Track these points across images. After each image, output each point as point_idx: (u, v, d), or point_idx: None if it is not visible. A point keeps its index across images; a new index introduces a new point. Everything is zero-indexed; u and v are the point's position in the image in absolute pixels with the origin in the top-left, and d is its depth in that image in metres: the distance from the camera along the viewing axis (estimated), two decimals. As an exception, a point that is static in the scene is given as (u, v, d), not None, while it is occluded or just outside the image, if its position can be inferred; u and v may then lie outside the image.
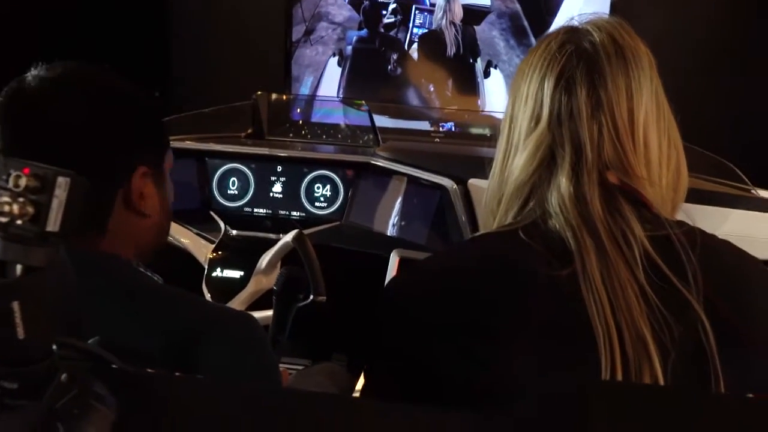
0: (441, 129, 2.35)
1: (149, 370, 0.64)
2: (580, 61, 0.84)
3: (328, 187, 1.99)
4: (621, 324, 0.71)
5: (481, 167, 1.79)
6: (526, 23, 2.55)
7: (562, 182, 0.80)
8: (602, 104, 0.82)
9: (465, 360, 0.75)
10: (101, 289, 0.86)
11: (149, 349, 0.82)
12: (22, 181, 0.48)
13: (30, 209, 0.48)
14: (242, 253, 1.73)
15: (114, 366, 0.62)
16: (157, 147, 0.98)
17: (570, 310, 0.74)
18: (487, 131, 2.37)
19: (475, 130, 2.38)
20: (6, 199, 0.48)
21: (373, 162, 1.91)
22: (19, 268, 0.50)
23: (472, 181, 1.71)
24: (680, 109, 0.88)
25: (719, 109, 2.58)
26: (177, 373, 0.66)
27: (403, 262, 1.60)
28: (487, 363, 0.74)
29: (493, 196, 0.90)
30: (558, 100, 0.83)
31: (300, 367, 1.99)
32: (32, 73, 0.89)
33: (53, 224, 0.49)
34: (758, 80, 2.63)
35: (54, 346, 0.54)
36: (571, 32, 0.87)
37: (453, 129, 2.37)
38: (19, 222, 0.48)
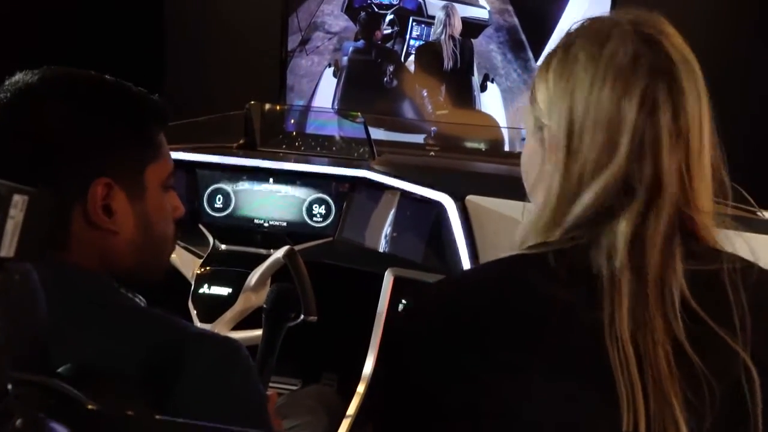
0: (436, 142, 2.31)
1: (126, 412, 0.57)
2: (658, 78, 0.72)
3: (321, 201, 1.93)
4: (648, 385, 0.64)
5: (479, 183, 1.77)
6: (523, 37, 2.52)
7: (623, 223, 0.70)
8: (682, 132, 0.71)
9: (479, 394, 0.69)
10: (76, 309, 0.79)
11: (125, 373, 0.75)
12: (-29, 200, 0.41)
13: (-21, 232, 0.42)
14: (231, 269, 1.66)
15: (86, 405, 0.56)
16: (134, 155, 0.88)
17: (592, 356, 0.66)
18: (482, 146, 2.33)
19: (470, 144, 2.34)
20: (-48, 220, 0.41)
21: (368, 176, 1.86)
22: (-33, 298, 0.43)
23: (470, 198, 1.66)
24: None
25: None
26: (156, 415, 0.60)
27: (397, 281, 1.54)
28: (502, 397, 0.68)
29: (534, 230, 0.78)
30: (642, 127, 0.71)
31: (290, 388, 1.93)
32: (7, 82, 0.84)
33: (7, 249, 0.43)
34: (761, 83, 2.60)
35: (9, 386, 0.47)
36: (636, 39, 0.73)
37: (448, 142, 2.33)
38: (-34, 247, 0.41)
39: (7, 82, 0.83)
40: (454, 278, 0.84)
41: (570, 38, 0.77)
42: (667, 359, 0.64)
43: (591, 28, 0.77)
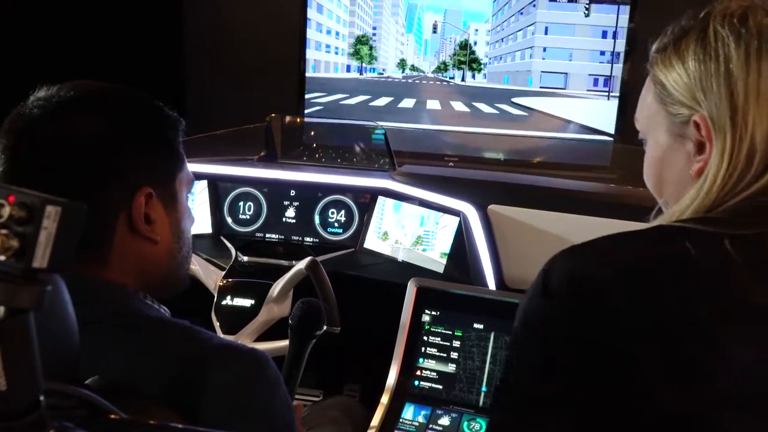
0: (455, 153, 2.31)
1: (151, 422, 0.58)
2: None
3: (342, 212, 1.93)
4: None
5: (501, 193, 1.76)
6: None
7: None
8: None
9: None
10: (103, 321, 0.80)
11: (152, 385, 0.75)
12: (6, 211, 0.42)
13: (14, 243, 0.42)
14: (253, 281, 1.66)
15: (111, 415, 0.56)
16: (166, 165, 0.91)
17: None
18: (501, 156, 2.31)
19: (489, 155, 2.33)
20: (-13, 231, 0.42)
21: (389, 186, 1.85)
22: (1, 309, 0.44)
23: (492, 207, 1.65)
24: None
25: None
26: (179, 425, 0.60)
27: (420, 291, 1.53)
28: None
29: (697, 204, 0.73)
30: None
31: (312, 399, 1.93)
32: (33, 95, 0.85)
33: (40, 260, 0.43)
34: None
35: (41, 397, 0.47)
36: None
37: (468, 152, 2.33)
38: (1, 258, 0.42)
39: (35, 96, 0.84)
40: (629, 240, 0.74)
41: (699, 25, 0.75)
42: None
43: (721, 10, 0.74)
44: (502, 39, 2.33)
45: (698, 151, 0.75)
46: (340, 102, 2.39)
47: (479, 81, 2.38)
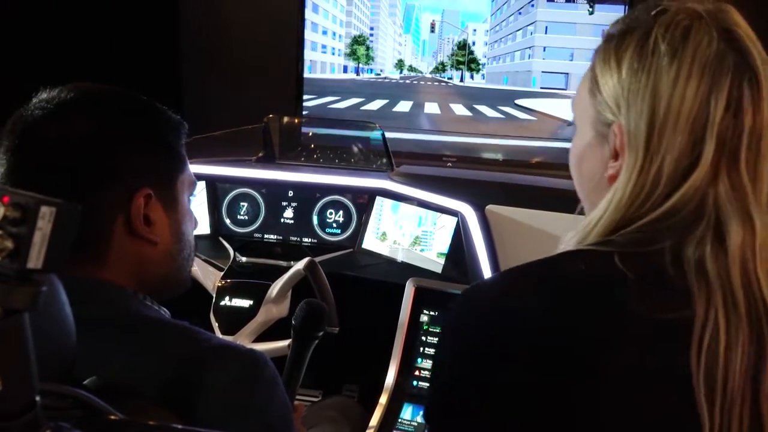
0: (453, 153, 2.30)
1: (150, 423, 0.58)
2: (742, 77, 0.68)
3: (340, 212, 1.93)
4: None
5: (499, 193, 1.76)
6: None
7: (708, 231, 0.67)
8: (755, 134, 0.68)
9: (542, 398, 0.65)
10: (100, 321, 0.80)
11: (150, 385, 0.75)
12: (0, 212, 0.42)
13: (8, 244, 0.42)
14: (251, 281, 1.66)
15: (112, 416, 0.56)
16: (167, 166, 0.91)
17: (671, 374, 0.64)
18: (499, 156, 2.31)
19: (487, 155, 2.33)
20: (-20, 232, 0.42)
21: (387, 187, 1.86)
22: (-3, 310, 0.44)
23: (489, 207, 1.65)
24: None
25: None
26: (178, 426, 0.60)
27: (418, 291, 1.53)
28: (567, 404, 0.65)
29: (592, 231, 0.73)
30: (726, 129, 0.67)
31: (311, 399, 1.93)
32: (36, 97, 0.85)
33: (35, 260, 0.43)
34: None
35: (37, 397, 0.47)
36: (718, 33, 0.69)
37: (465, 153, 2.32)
38: (-5, 258, 0.42)
39: (37, 98, 0.85)
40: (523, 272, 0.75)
41: (645, 26, 0.72)
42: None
43: (669, 18, 0.71)
44: (501, 39, 2.33)
45: (613, 156, 0.74)
46: (329, 106, 2.36)
47: (478, 81, 2.37)
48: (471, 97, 2.37)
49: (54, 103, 0.83)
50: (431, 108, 2.41)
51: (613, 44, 0.74)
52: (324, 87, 2.37)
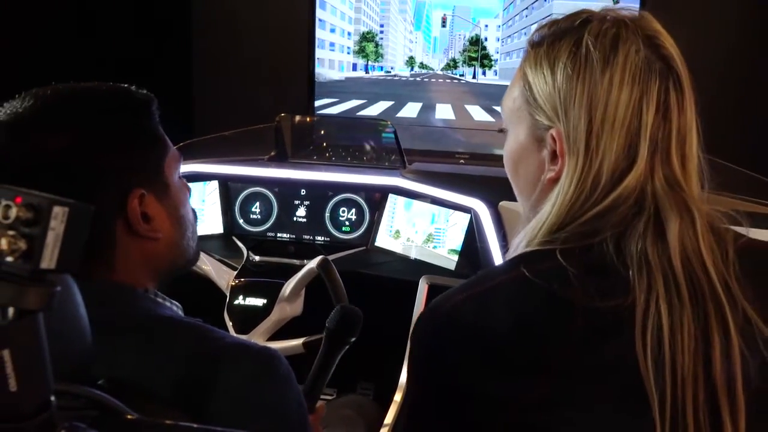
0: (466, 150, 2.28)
1: (166, 421, 0.58)
2: (668, 80, 0.74)
3: (353, 210, 1.93)
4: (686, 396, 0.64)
5: (512, 189, 1.74)
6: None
7: (648, 226, 0.71)
8: (681, 132, 0.74)
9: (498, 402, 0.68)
10: (113, 322, 0.80)
11: (163, 385, 0.76)
12: (12, 212, 0.42)
13: (21, 244, 0.42)
14: (265, 280, 1.67)
15: (127, 416, 0.56)
16: (150, 156, 0.89)
17: (618, 361, 0.66)
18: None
19: (499, 151, 2.31)
20: (-6, 233, 0.42)
21: (400, 184, 1.85)
22: (11, 310, 0.44)
23: (503, 204, 1.64)
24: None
25: (741, 126, 2.49)
26: (194, 425, 0.60)
27: (432, 288, 1.53)
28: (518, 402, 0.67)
29: (538, 233, 0.76)
30: (657, 130, 0.73)
31: (326, 397, 1.93)
32: (22, 100, 0.83)
33: (48, 260, 0.43)
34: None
35: (52, 397, 0.47)
36: (643, 40, 0.74)
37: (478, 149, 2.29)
38: (9, 259, 0.42)
39: (10, 104, 0.83)
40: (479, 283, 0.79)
41: (575, 33, 0.76)
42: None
43: (598, 26, 0.76)
44: (515, 33, 2.29)
45: (552, 160, 0.77)
46: (324, 110, 2.31)
47: (491, 78, 2.33)
48: (488, 96, 2.29)
49: (32, 109, 0.82)
50: (444, 111, 2.33)
51: (543, 50, 0.78)
52: (321, 86, 2.31)
